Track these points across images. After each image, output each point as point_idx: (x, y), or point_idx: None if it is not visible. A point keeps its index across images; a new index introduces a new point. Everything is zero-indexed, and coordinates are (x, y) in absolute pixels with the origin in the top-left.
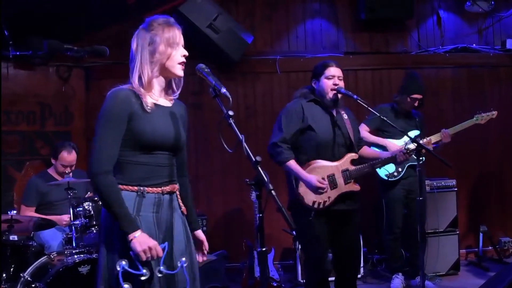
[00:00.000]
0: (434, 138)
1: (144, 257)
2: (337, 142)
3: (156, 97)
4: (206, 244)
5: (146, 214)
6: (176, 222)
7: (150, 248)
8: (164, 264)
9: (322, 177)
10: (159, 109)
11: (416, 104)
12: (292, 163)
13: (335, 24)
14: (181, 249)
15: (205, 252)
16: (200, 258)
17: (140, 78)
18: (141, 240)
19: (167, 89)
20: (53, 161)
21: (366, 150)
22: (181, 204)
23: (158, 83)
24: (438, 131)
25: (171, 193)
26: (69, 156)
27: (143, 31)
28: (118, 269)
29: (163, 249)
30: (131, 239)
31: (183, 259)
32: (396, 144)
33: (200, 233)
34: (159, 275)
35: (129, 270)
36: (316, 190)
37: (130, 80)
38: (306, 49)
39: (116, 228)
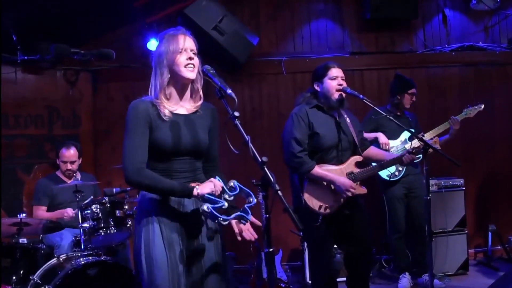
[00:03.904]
0: (442, 127)
1: (216, 192)
2: (341, 146)
3: (174, 105)
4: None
5: (168, 213)
6: (203, 220)
7: (214, 186)
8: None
9: (348, 172)
10: (177, 117)
11: (414, 99)
12: (317, 170)
13: (340, 24)
14: (209, 247)
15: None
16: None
17: (155, 89)
18: (204, 186)
19: (192, 95)
20: (57, 161)
21: (372, 151)
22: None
23: (175, 92)
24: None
25: None
26: (67, 152)
27: (157, 47)
28: (207, 210)
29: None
30: (197, 193)
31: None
32: (386, 138)
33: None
34: (228, 199)
35: (214, 206)
36: (348, 191)
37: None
38: (312, 50)
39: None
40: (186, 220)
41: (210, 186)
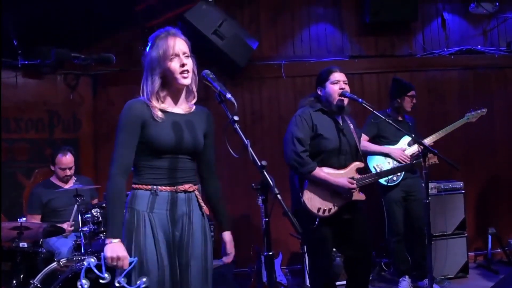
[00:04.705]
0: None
1: (110, 263)
2: (343, 150)
3: (168, 106)
4: (229, 247)
5: (159, 212)
6: (194, 222)
7: (118, 258)
8: (125, 278)
9: (349, 177)
10: (171, 117)
11: (414, 101)
12: (318, 172)
13: (340, 28)
14: (197, 248)
15: (229, 254)
16: (225, 260)
17: (146, 94)
18: (113, 248)
19: (187, 96)
20: (52, 168)
21: None
22: (201, 204)
23: (169, 95)
24: None
25: (186, 192)
26: (64, 158)
27: (148, 49)
28: (85, 264)
29: (131, 263)
30: (107, 243)
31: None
32: (398, 148)
33: (225, 235)
34: (117, 285)
35: (94, 269)
36: (349, 191)
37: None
38: (311, 54)
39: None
40: (176, 221)
41: (113, 254)
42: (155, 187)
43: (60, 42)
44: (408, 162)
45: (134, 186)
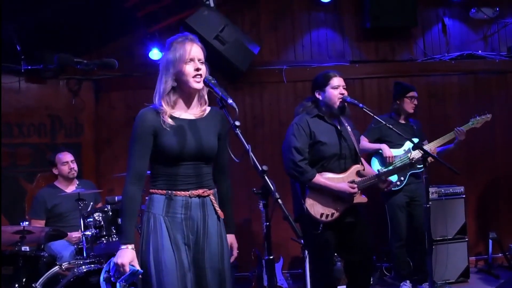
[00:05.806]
0: (447, 137)
1: (118, 268)
2: (343, 154)
3: (180, 112)
4: (234, 248)
5: (174, 215)
6: (209, 226)
7: (122, 264)
8: (125, 283)
9: (349, 181)
10: (181, 124)
11: (415, 102)
12: (318, 178)
13: (341, 33)
14: (213, 252)
15: (232, 255)
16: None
17: (158, 96)
18: (121, 254)
19: (199, 101)
20: (55, 171)
21: None
22: (217, 208)
23: (181, 99)
24: None
25: (201, 196)
26: (62, 154)
27: (164, 53)
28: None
29: (134, 272)
30: (120, 249)
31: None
32: (391, 149)
33: (230, 237)
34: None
35: (124, 277)
36: (350, 195)
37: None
38: (312, 59)
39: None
40: (191, 225)
41: (117, 259)
42: (169, 192)
43: (63, 47)
44: (393, 161)
45: (151, 191)
